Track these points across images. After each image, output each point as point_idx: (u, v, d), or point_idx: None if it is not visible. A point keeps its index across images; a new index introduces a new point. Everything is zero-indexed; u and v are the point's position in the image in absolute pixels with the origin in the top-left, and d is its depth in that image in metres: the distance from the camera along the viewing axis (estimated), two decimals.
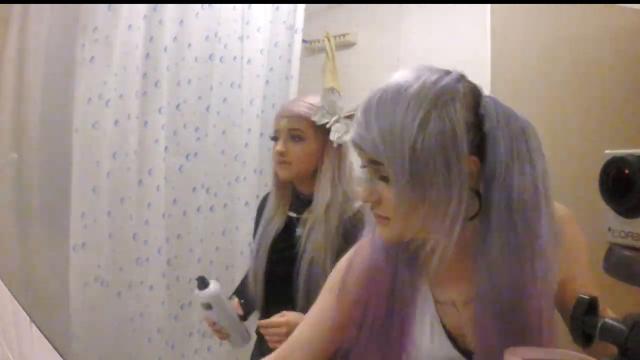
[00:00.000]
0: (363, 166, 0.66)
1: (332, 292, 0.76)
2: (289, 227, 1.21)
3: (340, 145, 1.15)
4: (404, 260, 0.70)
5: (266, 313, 1.22)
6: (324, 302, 0.78)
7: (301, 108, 1.16)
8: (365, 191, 0.65)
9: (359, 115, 0.65)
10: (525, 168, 0.63)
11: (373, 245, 0.72)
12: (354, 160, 1.23)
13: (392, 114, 0.60)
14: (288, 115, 1.17)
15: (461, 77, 0.65)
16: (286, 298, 1.14)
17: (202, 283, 1.11)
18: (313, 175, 1.17)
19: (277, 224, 1.22)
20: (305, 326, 0.79)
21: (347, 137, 1.14)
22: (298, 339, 0.78)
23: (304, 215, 1.18)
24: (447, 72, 0.64)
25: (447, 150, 0.60)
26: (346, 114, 1.16)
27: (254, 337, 1.31)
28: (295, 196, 1.23)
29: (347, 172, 1.17)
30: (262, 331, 1.08)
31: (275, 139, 1.19)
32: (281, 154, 1.15)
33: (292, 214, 1.22)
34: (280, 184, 1.22)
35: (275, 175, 1.20)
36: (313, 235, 1.13)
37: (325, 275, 1.07)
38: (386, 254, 0.71)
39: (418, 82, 0.62)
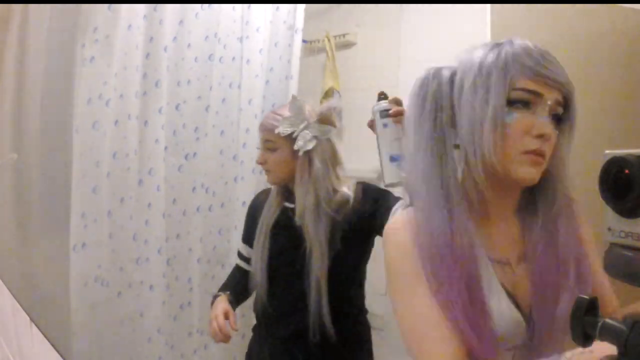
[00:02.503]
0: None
1: (419, 281, 0.67)
2: (286, 217, 1.29)
3: (307, 152, 1.22)
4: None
5: (271, 299, 1.30)
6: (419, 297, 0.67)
7: (270, 121, 1.27)
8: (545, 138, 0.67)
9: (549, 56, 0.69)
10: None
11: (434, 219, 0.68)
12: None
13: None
14: (262, 128, 1.29)
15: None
16: (292, 284, 1.23)
17: None
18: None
19: (275, 214, 1.32)
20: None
21: (312, 145, 1.20)
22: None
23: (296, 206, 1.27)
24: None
25: None
26: (316, 118, 1.22)
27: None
28: (289, 190, 1.31)
29: (320, 178, 1.23)
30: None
31: (259, 148, 1.34)
32: (260, 163, 1.30)
33: (289, 205, 1.30)
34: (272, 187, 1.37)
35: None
36: (310, 230, 1.21)
37: (324, 261, 1.17)
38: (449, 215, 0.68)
39: None
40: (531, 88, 0.66)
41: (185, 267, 1.79)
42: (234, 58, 1.84)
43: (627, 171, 0.42)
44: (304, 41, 1.99)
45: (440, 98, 0.72)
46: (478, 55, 0.71)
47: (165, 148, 1.68)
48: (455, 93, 0.71)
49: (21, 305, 1.32)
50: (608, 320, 0.42)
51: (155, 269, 1.67)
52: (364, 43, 2.22)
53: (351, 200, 1.21)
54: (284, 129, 1.22)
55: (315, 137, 1.22)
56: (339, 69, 2.24)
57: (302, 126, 1.22)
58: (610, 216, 0.44)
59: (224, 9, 1.79)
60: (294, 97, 1.25)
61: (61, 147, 1.54)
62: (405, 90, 2.29)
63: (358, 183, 1.27)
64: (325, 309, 1.17)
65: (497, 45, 0.70)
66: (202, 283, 1.84)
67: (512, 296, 0.70)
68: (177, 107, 1.72)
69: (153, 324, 1.67)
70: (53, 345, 1.10)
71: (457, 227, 0.67)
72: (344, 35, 2.23)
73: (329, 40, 2.24)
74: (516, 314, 0.69)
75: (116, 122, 1.53)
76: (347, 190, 1.23)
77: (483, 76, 0.68)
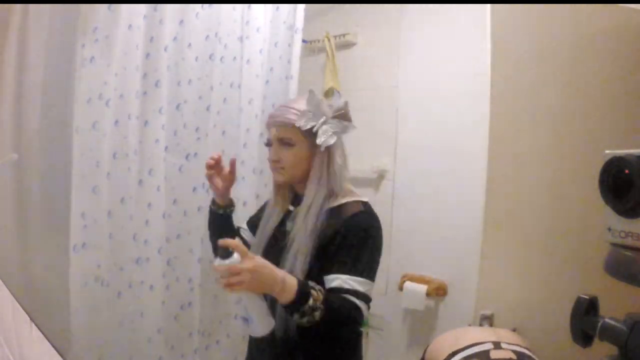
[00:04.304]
0: None
1: None
2: (285, 220, 1.27)
3: (327, 148, 1.18)
4: None
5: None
6: None
7: (288, 115, 1.19)
8: None
9: None
10: None
11: None
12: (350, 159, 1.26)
13: None
14: (276, 124, 1.21)
15: None
16: None
17: (226, 252, 1.00)
18: (308, 175, 1.22)
19: (276, 219, 1.27)
20: None
21: (333, 140, 1.16)
22: None
23: (296, 209, 1.23)
24: None
25: None
26: (334, 114, 1.18)
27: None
28: (294, 194, 1.28)
29: (336, 173, 1.19)
30: (221, 276, 1.00)
31: (269, 145, 1.24)
32: (274, 161, 1.21)
33: (291, 208, 1.28)
34: (279, 185, 1.28)
35: (274, 178, 1.27)
36: (299, 230, 1.16)
37: (306, 267, 1.12)
38: None
39: None
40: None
41: (186, 267, 1.79)
42: (234, 58, 1.83)
43: (627, 171, 0.42)
44: (304, 41, 1.99)
45: None
46: None
47: (166, 148, 1.68)
48: None
49: (21, 305, 1.31)
50: (608, 320, 0.42)
51: (156, 269, 1.66)
52: (364, 43, 2.23)
53: (347, 217, 1.16)
54: (305, 123, 1.16)
55: (335, 132, 1.17)
56: (339, 69, 2.24)
57: (321, 121, 1.17)
58: (610, 216, 0.44)
59: (224, 9, 1.79)
60: (311, 92, 1.18)
61: (61, 147, 1.53)
62: (405, 90, 2.31)
63: (365, 204, 1.21)
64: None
65: None
66: (203, 284, 1.84)
67: None
68: (177, 107, 1.72)
69: (153, 324, 1.67)
70: (53, 345, 1.10)
71: None
72: (344, 35, 2.23)
73: (329, 40, 2.24)
74: None
75: (116, 122, 1.53)
76: (357, 205, 1.18)
77: None
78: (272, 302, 1.11)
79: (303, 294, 1.03)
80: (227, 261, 0.99)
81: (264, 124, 1.52)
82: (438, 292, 1.85)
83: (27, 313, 1.25)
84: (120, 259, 1.59)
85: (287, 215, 1.26)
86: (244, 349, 1.94)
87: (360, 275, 1.10)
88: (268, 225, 1.28)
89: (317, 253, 1.14)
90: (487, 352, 0.71)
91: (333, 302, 1.07)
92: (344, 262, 1.12)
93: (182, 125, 1.75)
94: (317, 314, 1.03)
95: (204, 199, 1.82)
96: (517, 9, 1.63)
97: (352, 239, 1.13)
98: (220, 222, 1.38)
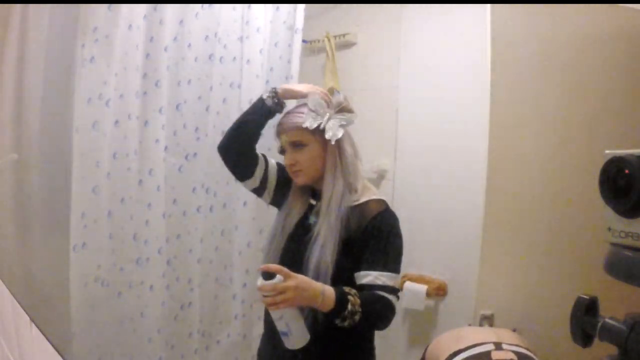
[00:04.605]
0: None
1: None
2: (307, 214, 1.30)
3: (337, 141, 1.23)
4: None
5: None
6: None
7: (295, 119, 1.26)
8: None
9: None
10: None
11: None
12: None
13: None
14: (286, 129, 1.27)
15: None
16: None
17: (268, 275, 1.08)
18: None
19: (297, 215, 1.31)
20: None
21: (341, 133, 1.22)
22: None
23: (318, 204, 1.27)
24: None
25: None
26: (337, 109, 1.25)
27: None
28: (312, 189, 1.32)
29: (349, 164, 1.25)
30: (265, 294, 1.06)
31: (282, 152, 1.30)
32: (291, 165, 1.27)
33: (312, 202, 1.31)
34: (297, 186, 1.32)
35: (293, 180, 1.31)
36: (324, 225, 1.20)
37: (334, 259, 1.16)
38: None
39: None
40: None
41: (185, 267, 1.79)
42: (234, 58, 1.84)
43: (627, 171, 0.42)
44: (304, 41, 1.99)
45: None
46: None
47: (166, 148, 1.68)
48: None
49: (21, 305, 1.31)
50: (608, 320, 0.42)
51: (156, 269, 1.66)
52: (364, 43, 2.23)
53: (373, 215, 1.21)
54: (312, 123, 1.23)
55: (341, 125, 1.24)
56: (339, 69, 2.24)
57: (326, 117, 1.24)
58: (610, 216, 0.44)
59: (224, 9, 1.79)
60: (312, 93, 1.26)
61: (61, 147, 1.53)
62: (405, 90, 2.31)
63: (385, 202, 1.26)
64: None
65: None
66: (203, 283, 1.84)
67: None
68: (177, 107, 1.72)
69: (153, 324, 1.67)
70: (53, 345, 1.10)
71: None
72: (344, 35, 2.23)
73: (329, 40, 2.25)
74: None
75: (116, 122, 1.53)
76: (380, 203, 1.23)
77: None
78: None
79: (342, 301, 1.10)
80: (270, 282, 1.05)
81: (273, 132, 1.53)
82: (438, 292, 1.85)
83: (27, 313, 1.25)
84: (120, 259, 1.59)
85: (309, 209, 1.30)
86: (244, 349, 1.95)
87: (390, 270, 1.18)
88: (289, 219, 1.31)
89: (345, 247, 1.19)
90: (488, 352, 0.71)
91: (369, 303, 1.13)
92: (375, 259, 1.18)
93: (182, 125, 1.75)
94: (357, 317, 1.10)
95: (204, 199, 1.82)
96: (517, 9, 1.63)
97: (380, 236, 1.20)
98: (260, 116, 1.35)
